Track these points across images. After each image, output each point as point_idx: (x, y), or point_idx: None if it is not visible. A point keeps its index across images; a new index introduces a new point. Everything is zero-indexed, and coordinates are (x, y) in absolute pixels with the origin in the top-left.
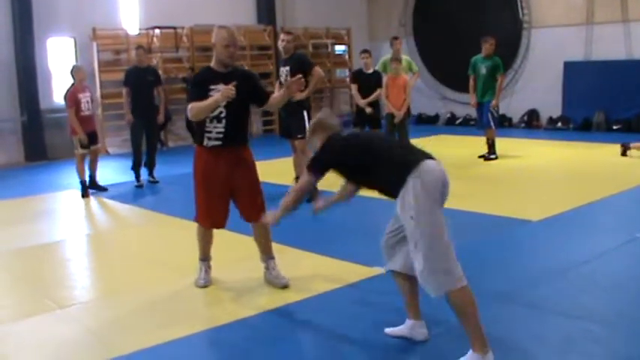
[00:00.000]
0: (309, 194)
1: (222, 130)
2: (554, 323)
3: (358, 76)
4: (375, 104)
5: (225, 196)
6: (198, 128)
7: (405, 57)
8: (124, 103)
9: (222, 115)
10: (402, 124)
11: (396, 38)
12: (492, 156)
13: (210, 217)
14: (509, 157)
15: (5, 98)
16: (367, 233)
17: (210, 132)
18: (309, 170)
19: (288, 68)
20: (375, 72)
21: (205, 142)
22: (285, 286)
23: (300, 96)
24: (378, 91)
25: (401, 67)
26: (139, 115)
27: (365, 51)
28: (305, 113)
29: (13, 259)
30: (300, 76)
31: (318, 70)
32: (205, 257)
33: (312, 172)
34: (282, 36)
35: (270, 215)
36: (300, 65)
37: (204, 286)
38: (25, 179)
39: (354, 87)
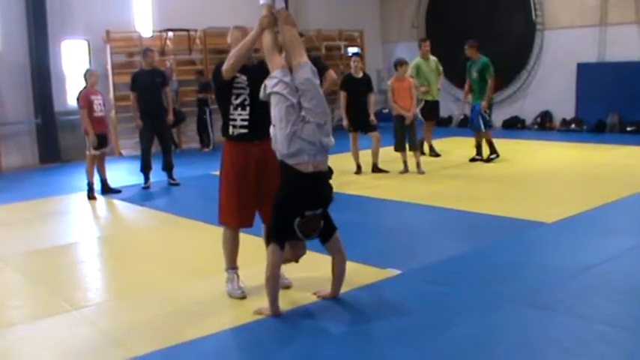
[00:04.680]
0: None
1: (247, 117)
2: (568, 325)
3: (347, 82)
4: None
5: (254, 193)
6: (223, 118)
7: (432, 58)
8: (132, 108)
9: (247, 102)
10: (412, 125)
11: (424, 40)
12: (492, 156)
13: (239, 215)
14: (522, 158)
15: (20, 100)
16: (380, 235)
17: (235, 120)
18: (271, 242)
19: None
20: (365, 76)
21: (231, 130)
22: (287, 287)
23: None
24: (372, 97)
25: (407, 69)
26: (149, 118)
27: (356, 54)
28: None
29: (28, 261)
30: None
31: (332, 74)
32: (234, 265)
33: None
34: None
35: (266, 309)
36: (316, 67)
37: (243, 297)
38: (39, 181)
39: (342, 95)
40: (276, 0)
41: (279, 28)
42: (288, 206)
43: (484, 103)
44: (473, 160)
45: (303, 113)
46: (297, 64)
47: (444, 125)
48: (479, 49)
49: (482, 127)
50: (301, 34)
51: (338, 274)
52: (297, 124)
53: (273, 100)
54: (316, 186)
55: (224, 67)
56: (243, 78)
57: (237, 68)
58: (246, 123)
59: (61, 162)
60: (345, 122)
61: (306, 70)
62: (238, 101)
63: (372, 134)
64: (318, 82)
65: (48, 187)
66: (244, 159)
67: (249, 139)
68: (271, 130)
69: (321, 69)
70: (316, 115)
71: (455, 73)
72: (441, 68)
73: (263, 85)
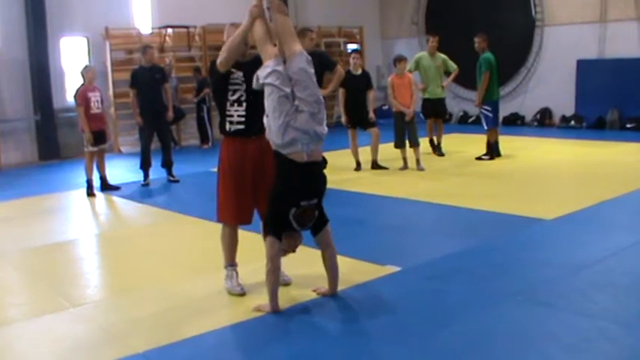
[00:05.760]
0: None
1: (244, 113)
2: (569, 322)
3: (346, 79)
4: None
5: (251, 189)
6: (220, 114)
7: (441, 55)
8: (132, 105)
9: (243, 98)
10: (412, 121)
11: (432, 35)
12: (485, 156)
13: (237, 212)
14: (522, 155)
15: (19, 97)
16: (380, 232)
17: (231, 116)
18: (268, 234)
19: None
20: (364, 73)
21: (228, 127)
22: (287, 284)
23: (322, 93)
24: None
25: (406, 66)
26: (148, 115)
27: (356, 51)
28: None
29: (27, 258)
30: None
31: (340, 69)
32: (232, 262)
33: (272, 234)
34: (312, 35)
35: (266, 306)
36: (324, 63)
37: (243, 294)
38: (39, 178)
39: (341, 92)
40: None
41: (271, 17)
42: (284, 197)
43: (476, 101)
44: (479, 158)
45: (296, 102)
46: (290, 52)
47: (443, 122)
48: (484, 43)
49: (485, 125)
50: (310, 30)
51: (331, 268)
52: (290, 115)
53: (267, 90)
54: (311, 175)
55: (218, 61)
56: (239, 74)
57: (231, 61)
58: (242, 119)
59: (60, 159)
60: (343, 118)
61: (300, 59)
62: (235, 97)
63: (371, 130)
64: (312, 70)
65: (47, 184)
66: (241, 155)
67: (246, 135)
68: (265, 120)
69: (330, 65)
70: (309, 104)
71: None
72: (454, 66)
73: (255, 76)
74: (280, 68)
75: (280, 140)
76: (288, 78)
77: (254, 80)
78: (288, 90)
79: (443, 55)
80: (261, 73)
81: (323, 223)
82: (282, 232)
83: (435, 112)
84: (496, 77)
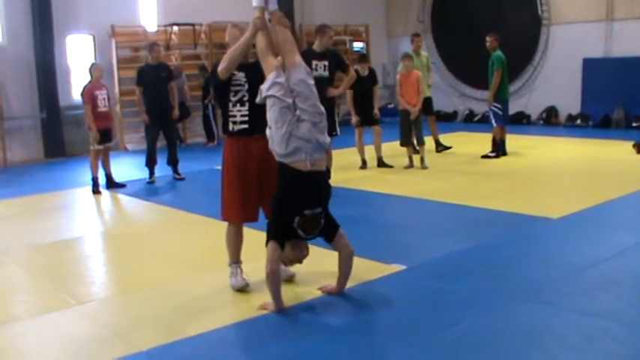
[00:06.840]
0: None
1: (247, 112)
2: (573, 321)
3: (355, 81)
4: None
5: (257, 187)
6: (223, 114)
7: (424, 54)
8: (138, 103)
9: (245, 98)
10: (417, 120)
11: (417, 35)
12: (491, 154)
13: (242, 211)
14: (527, 154)
15: (25, 95)
16: (385, 230)
17: (234, 116)
18: (271, 239)
19: (326, 63)
20: (371, 71)
21: (231, 127)
22: (290, 278)
23: (333, 93)
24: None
25: (412, 64)
26: (154, 112)
27: (363, 57)
28: (336, 110)
29: (32, 255)
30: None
31: (352, 72)
32: (237, 260)
33: (275, 240)
34: (331, 32)
35: (270, 304)
36: (339, 63)
37: (247, 286)
38: (44, 175)
39: (349, 93)
40: (269, 1)
41: (272, 29)
42: (287, 206)
43: (488, 100)
44: (484, 156)
45: (298, 113)
46: (291, 64)
47: (448, 120)
48: (496, 42)
49: (493, 121)
50: (329, 26)
51: (344, 269)
52: (292, 124)
53: (269, 102)
54: (314, 184)
55: (219, 69)
56: (241, 75)
57: (231, 70)
58: (246, 118)
59: (66, 156)
60: (354, 119)
61: (300, 71)
62: (237, 98)
63: (374, 128)
64: (312, 82)
65: (53, 181)
66: (245, 155)
67: (250, 134)
68: (267, 131)
69: (344, 67)
70: (311, 114)
71: (460, 67)
72: (431, 65)
73: (259, 90)
74: (281, 80)
75: (284, 150)
76: (290, 89)
77: (258, 95)
78: (289, 101)
79: (426, 54)
80: (264, 86)
81: (334, 230)
82: (287, 240)
83: (424, 110)
84: (506, 75)
